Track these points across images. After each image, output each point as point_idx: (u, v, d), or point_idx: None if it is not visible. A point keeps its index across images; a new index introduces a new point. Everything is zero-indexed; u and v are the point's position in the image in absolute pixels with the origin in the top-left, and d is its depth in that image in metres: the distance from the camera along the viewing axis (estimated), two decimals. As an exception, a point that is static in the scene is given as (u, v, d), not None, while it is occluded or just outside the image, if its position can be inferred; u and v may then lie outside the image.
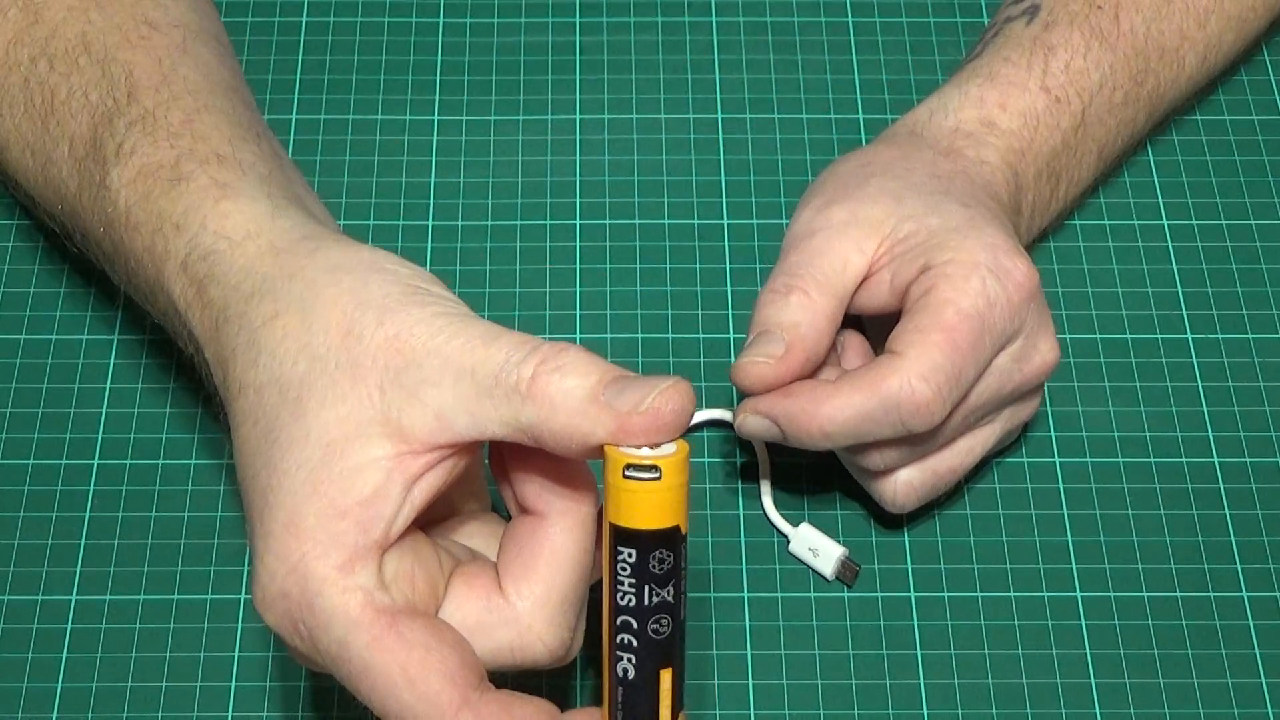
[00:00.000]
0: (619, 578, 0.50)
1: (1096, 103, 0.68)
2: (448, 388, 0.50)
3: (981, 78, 0.67)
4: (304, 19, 0.80)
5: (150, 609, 0.63)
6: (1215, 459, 0.67)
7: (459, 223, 0.73)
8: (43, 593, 0.63)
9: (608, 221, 0.73)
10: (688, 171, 0.75)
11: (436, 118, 0.77)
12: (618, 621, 0.50)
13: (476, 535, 0.56)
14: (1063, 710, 0.61)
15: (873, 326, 0.65)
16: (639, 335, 0.70)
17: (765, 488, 0.66)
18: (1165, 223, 0.74)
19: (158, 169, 0.58)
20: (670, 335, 0.70)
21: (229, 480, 0.66)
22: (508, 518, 0.55)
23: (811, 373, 0.61)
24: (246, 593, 0.64)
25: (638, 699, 0.51)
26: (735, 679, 0.62)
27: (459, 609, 0.52)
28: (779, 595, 0.64)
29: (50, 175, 0.62)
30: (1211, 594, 0.64)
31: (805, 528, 0.65)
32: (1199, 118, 0.77)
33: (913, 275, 0.60)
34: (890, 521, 0.66)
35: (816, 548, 0.64)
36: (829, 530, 0.65)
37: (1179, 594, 0.64)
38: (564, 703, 0.60)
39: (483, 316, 0.54)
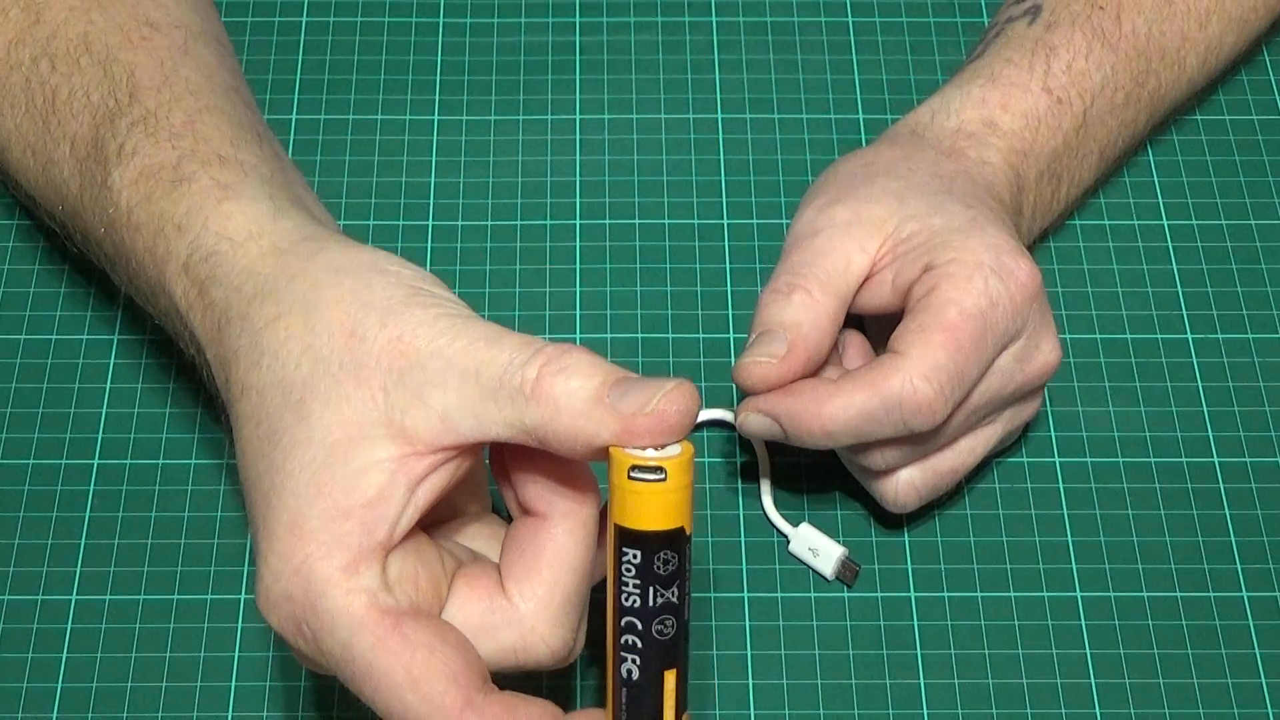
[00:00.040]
0: (624, 579, 0.50)
1: (1098, 104, 0.68)
2: (452, 389, 0.50)
3: (983, 78, 0.67)
4: (304, 19, 0.80)
5: (150, 609, 0.63)
6: (1215, 459, 0.67)
7: (459, 223, 0.73)
8: (43, 593, 0.63)
9: (608, 221, 0.73)
10: (688, 171, 0.75)
11: (436, 118, 0.77)
12: (622, 622, 0.50)
13: (478, 536, 0.56)
14: (1063, 710, 0.61)
15: (874, 326, 0.65)
16: (639, 335, 0.70)
17: (765, 487, 0.66)
18: (1165, 223, 0.74)
19: (159, 170, 0.58)
20: (670, 335, 0.70)
21: (229, 480, 0.66)
22: (508, 519, 0.55)
23: (814, 372, 0.61)
24: (246, 593, 0.64)
25: (642, 700, 0.51)
26: (735, 679, 0.62)
27: (462, 610, 0.52)
28: (779, 595, 0.64)
29: (51, 175, 0.62)
30: (1211, 594, 0.64)
31: (805, 528, 0.65)
32: (1199, 118, 0.77)
33: (915, 275, 0.60)
34: (890, 521, 0.66)
35: (816, 548, 0.64)
36: (829, 530, 0.65)
37: (1179, 594, 0.64)
38: (566, 703, 0.60)
39: (484, 317, 0.54)
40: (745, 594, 0.64)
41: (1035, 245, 0.71)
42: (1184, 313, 0.71)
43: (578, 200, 0.74)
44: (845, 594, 0.64)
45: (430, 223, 0.73)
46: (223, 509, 0.65)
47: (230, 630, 0.63)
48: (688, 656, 0.51)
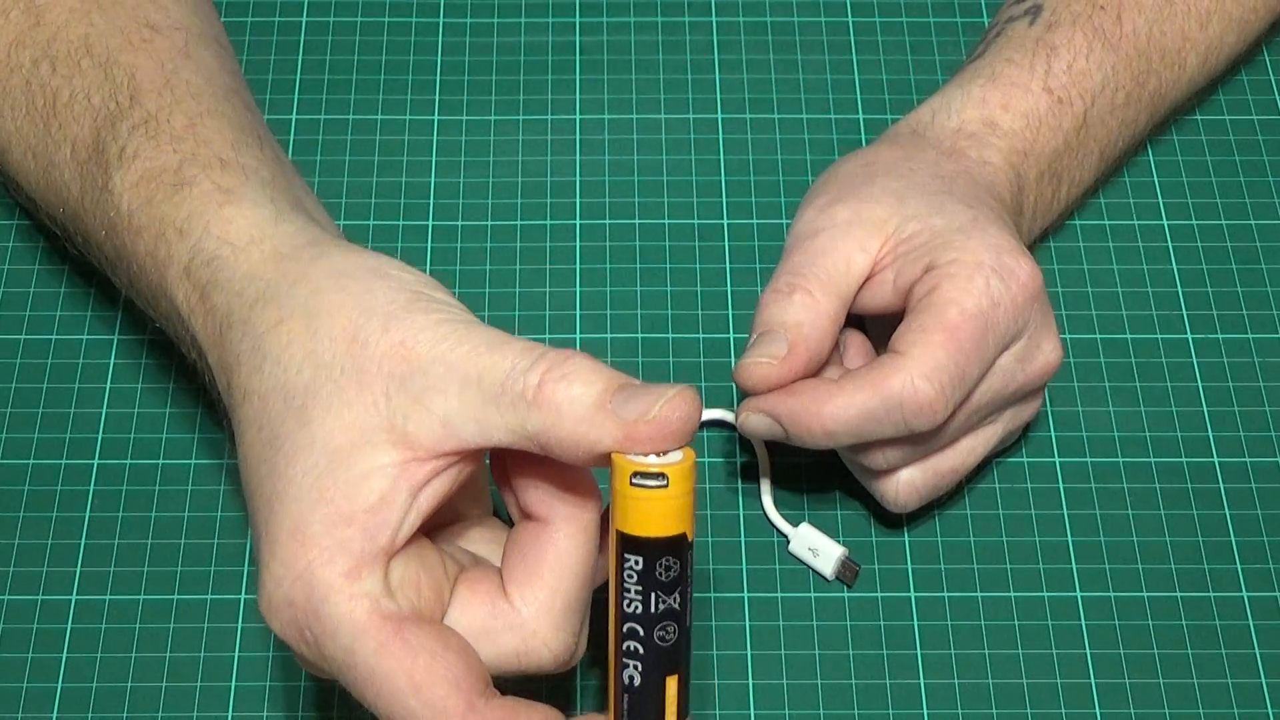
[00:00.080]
0: (625, 585, 0.50)
1: (1099, 104, 0.68)
2: (453, 395, 0.50)
3: (984, 78, 0.67)
4: (304, 19, 0.80)
5: (150, 609, 0.63)
6: (1215, 459, 0.67)
7: (459, 223, 0.73)
8: (43, 593, 0.63)
9: (608, 221, 0.73)
10: (688, 171, 0.75)
11: (436, 118, 0.77)
12: (624, 628, 0.50)
13: (480, 540, 0.56)
14: (1063, 710, 0.62)
15: (874, 326, 0.65)
16: (639, 335, 0.70)
17: (765, 487, 0.66)
18: (1165, 223, 0.74)
19: (161, 173, 0.58)
20: (670, 335, 0.70)
21: (229, 480, 0.66)
22: (510, 522, 0.55)
23: (814, 372, 0.61)
24: (246, 593, 0.64)
25: (643, 705, 0.51)
26: (735, 679, 0.62)
27: (464, 614, 0.52)
28: (779, 595, 0.64)
29: (52, 178, 0.62)
30: (1211, 594, 0.64)
31: (805, 528, 0.65)
32: (1199, 118, 0.77)
33: (916, 275, 0.60)
34: (890, 521, 0.66)
35: (816, 548, 0.64)
36: (829, 530, 0.65)
37: (1179, 594, 0.64)
38: (567, 707, 0.60)
39: (484, 317, 0.54)
40: (745, 594, 0.64)
41: (1035, 245, 0.71)
42: (1184, 313, 0.71)
43: (578, 200, 0.74)
44: (845, 594, 0.64)
45: (430, 223, 0.73)
46: (223, 509, 0.65)
47: (230, 630, 0.63)
48: (690, 663, 0.51)
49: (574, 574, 0.52)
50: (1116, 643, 0.63)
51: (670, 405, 0.49)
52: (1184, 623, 0.63)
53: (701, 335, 0.70)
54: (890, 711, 0.61)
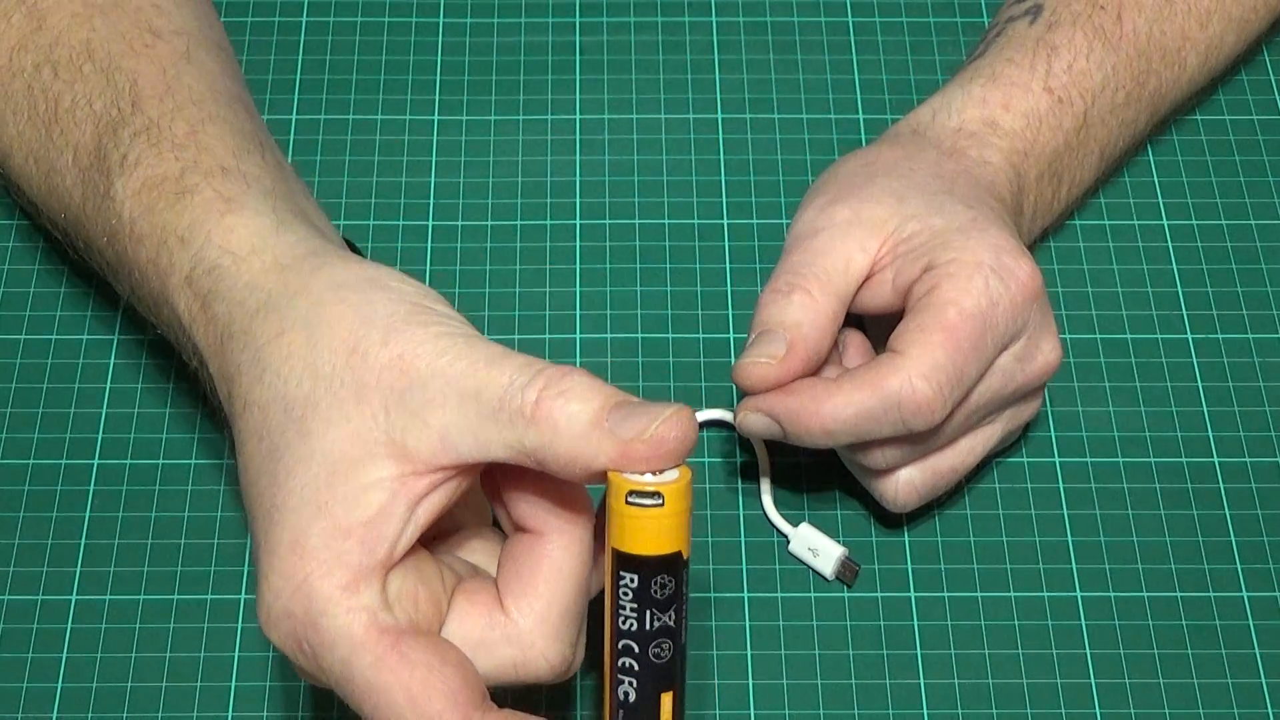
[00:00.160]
0: (621, 602, 0.50)
1: (1099, 103, 0.68)
2: (452, 410, 0.50)
3: (984, 78, 0.67)
4: (304, 19, 0.80)
5: (150, 609, 0.63)
6: (1215, 459, 0.67)
7: (459, 223, 0.73)
8: (43, 593, 0.63)
9: (608, 221, 0.73)
10: (688, 171, 0.75)
11: (436, 118, 0.77)
12: (619, 645, 0.50)
13: (477, 551, 0.56)
14: (1063, 710, 0.62)
15: (874, 326, 0.65)
16: (639, 335, 0.70)
17: (765, 487, 0.66)
18: (1165, 223, 0.74)
19: (162, 181, 0.57)
20: (670, 335, 0.70)
21: (229, 480, 0.66)
22: (506, 533, 0.55)
23: (814, 372, 0.61)
24: (246, 593, 0.64)
25: None
26: (735, 679, 0.62)
27: (461, 626, 0.52)
28: (779, 595, 0.64)
29: (54, 184, 0.62)
30: (1211, 594, 0.64)
31: (805, 528, 0.65)
32: (1199, 118, 0.77)
33: (915, 275, 0.60)
34: (890, 521, 0.66)
35: (816, 548, 0.64)
36: (829, 530, 0.65)
37: (1179, 594, 0.64)
38: (566, 717, 0.60)
39: (484, 317, 0.54)
40: (745, 594, 0.64)
41: (1036, 245, 0.71)
42: (1184, 313, 0.71)
43: (578, 200, 0.74)
44: (845, 594, 0.64)
45: (430, 223, 0.73)
46: (223, 509, 0.65)
47: (230, 630, 0.63)
48: (685, 678, 0.52)
49: (569, 585, 0.52)
50: (1116, 643, 0.63)
51: (666, 425, 0.49)
52: (1184, 623, 0.63)
53: (701, 335, 0.70)
54: (890, 711, 0.61)
